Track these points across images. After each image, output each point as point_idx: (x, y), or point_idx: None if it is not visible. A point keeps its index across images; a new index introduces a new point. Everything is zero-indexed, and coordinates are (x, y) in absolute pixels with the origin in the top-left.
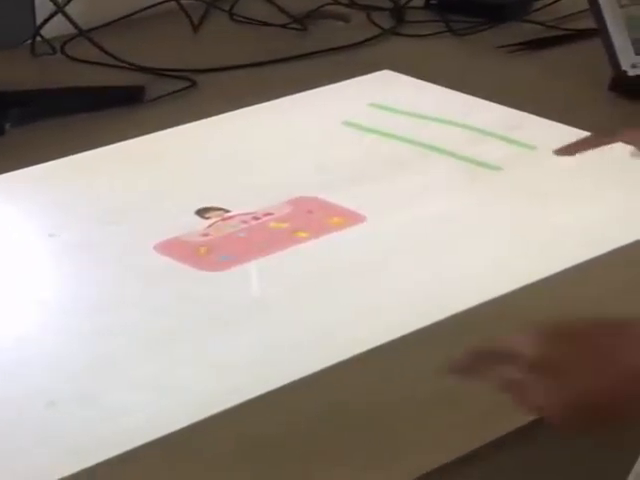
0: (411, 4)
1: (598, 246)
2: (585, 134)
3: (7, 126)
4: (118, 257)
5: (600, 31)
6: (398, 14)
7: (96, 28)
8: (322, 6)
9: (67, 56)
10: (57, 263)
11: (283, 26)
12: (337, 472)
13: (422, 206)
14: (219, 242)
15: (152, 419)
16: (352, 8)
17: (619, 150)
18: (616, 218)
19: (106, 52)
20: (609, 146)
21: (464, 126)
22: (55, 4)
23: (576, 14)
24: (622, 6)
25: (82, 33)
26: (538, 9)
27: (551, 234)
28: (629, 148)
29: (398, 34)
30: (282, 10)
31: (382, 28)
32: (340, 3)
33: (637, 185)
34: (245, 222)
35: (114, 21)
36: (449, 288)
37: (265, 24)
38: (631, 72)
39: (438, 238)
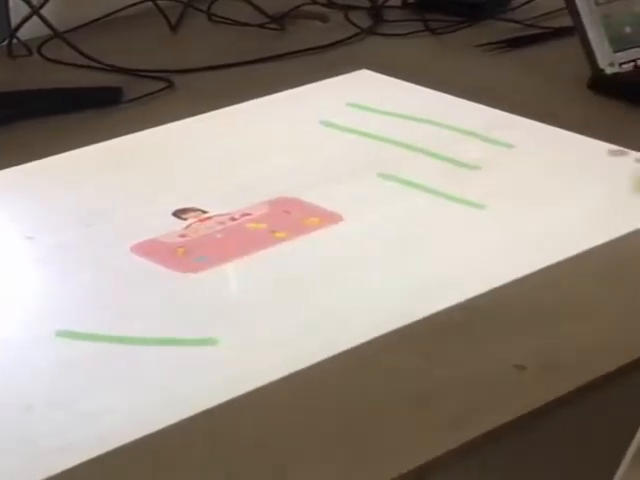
0: (389, 3)
1: (573, 245)
2: (564, 133)
3: None
4: (95, 259)
5: (577, 29)
6: (376, 13)
7: (72, 29)
8: (300, 6)
9: (44, 57)
10: (34, 266)
11: (261, 26)
12: (319, 472)
13: (400, 206)
14: (196, 243)
15: (129, 421)
16: (330, 8)
17: (597, 149)
18: (592, 217)
19: (82, 53)
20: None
21: (442, 125)
22: (30, 6)
23: (553, 12)
24: (598, 4)
25: (58, 35)
26: (515, 7)
27: (527, 234)
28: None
29: (376, 33)
30: (260, 10)
31: (360, 28)
32: (318, 3)
33: (614, 184)
34: (222, 223)
35: (90, 22)
36: (427, 288)
37: (243, 24)
38: (608, 70)
39: (415, 238)
